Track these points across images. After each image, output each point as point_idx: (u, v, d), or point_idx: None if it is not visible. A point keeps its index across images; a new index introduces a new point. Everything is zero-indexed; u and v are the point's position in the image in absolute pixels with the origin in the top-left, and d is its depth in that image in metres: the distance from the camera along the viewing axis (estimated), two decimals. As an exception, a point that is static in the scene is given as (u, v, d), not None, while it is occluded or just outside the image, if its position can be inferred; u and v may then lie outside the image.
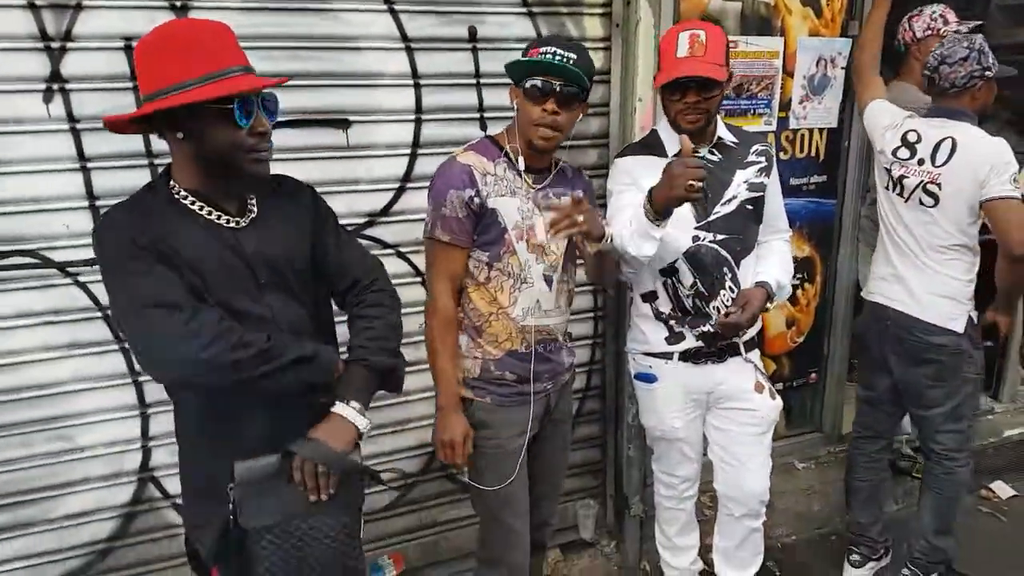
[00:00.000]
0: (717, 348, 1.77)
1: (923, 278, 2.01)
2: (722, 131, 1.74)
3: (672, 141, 1.71)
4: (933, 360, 2.02)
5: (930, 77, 1.99)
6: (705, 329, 1.74)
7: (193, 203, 1.14)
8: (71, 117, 1.60)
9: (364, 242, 1.83)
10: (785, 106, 2.39)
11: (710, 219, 1.70)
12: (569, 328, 1.74)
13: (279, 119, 1.18)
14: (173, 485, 1.85)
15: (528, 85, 1.46)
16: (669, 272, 1.72)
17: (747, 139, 1.79)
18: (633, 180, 1.69)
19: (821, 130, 2.49)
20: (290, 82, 1.19)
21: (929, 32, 2.39)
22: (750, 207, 1.74)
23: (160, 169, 1.66)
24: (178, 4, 1.63)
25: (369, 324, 1.24)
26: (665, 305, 1.77)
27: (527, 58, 1.46)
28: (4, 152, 1.57)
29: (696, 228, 1.69)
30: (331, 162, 1.83)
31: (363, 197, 1.89)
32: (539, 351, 1.60)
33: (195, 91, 1.04)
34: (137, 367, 1.76)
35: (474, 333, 1.59)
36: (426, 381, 1.61)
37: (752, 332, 1.81)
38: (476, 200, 1.50)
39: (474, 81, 1.94)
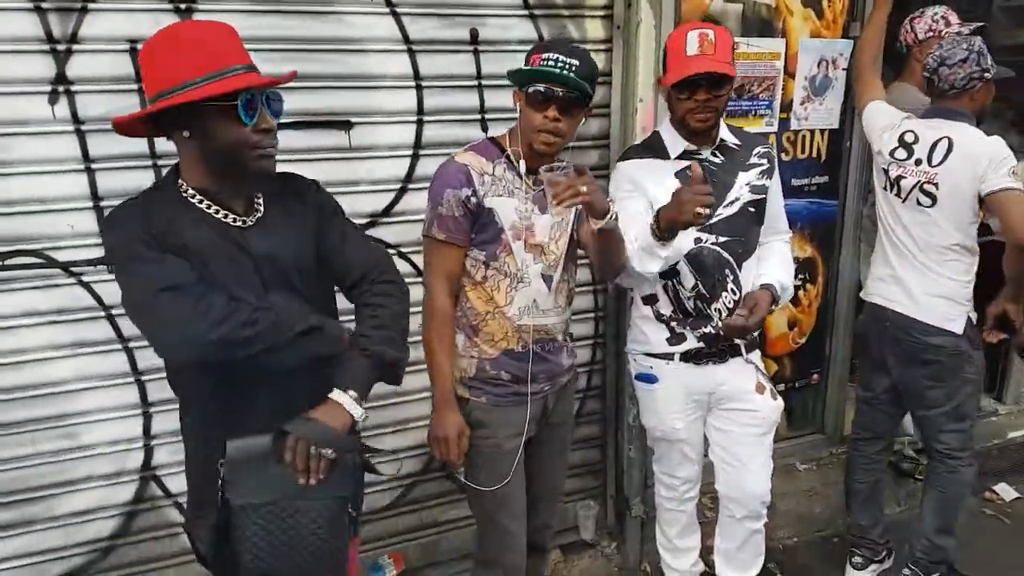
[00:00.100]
0: (718, 349, 1.77)
1: (921, 279, 2.01)
2: (724, 133, 1.74)
3: (674, 143, 1.71)
4: (932, 361, 2.02)
5: (929, 78, 1.99)
6: (706, 330, 1.75)
7: (200, 202, 1.15)
8: (76, 118, 1.61)
9: (368, 240, 1.84)
10: (786, 107, 2.39)
11: (712, 221, 1.70)
12: (570, 328, 1.74)
13: (281, 120, 1.19)
14: (174, 484, 1.86)
15: (530, 91, 1.46)
16: (670, 274, 1.73)
17: (749, 141, 1.79)
18: (635, 186, 1.69)
19: (823, 131, 2.49)
20: (292, 84, 1.20)
21: (931, 34, 2.39)
22: (752, 209, 1.74)
23: (164, 170, 1.68)
24: (182, 7, 1.64)
25: (373, 313, 1.24)
26: (666, 307, 1.77)
27: (529, 67, 1.47)
28: (10, 153, 1.59)
29: (698, 230, 1.70)
30: (333, 163, 1.84)
31: (365, 198, 1.90)
32: (536, 351, 1.60)
33: (199, 89, 1.05)
34: (140, 366, 1.77)
35: (471, 332, 1.60)
36: (426, 381, 1.61)
37: (754, 333, 1.82)
38: (473, 200, 1.51)
39: (475, 83, 1.95)
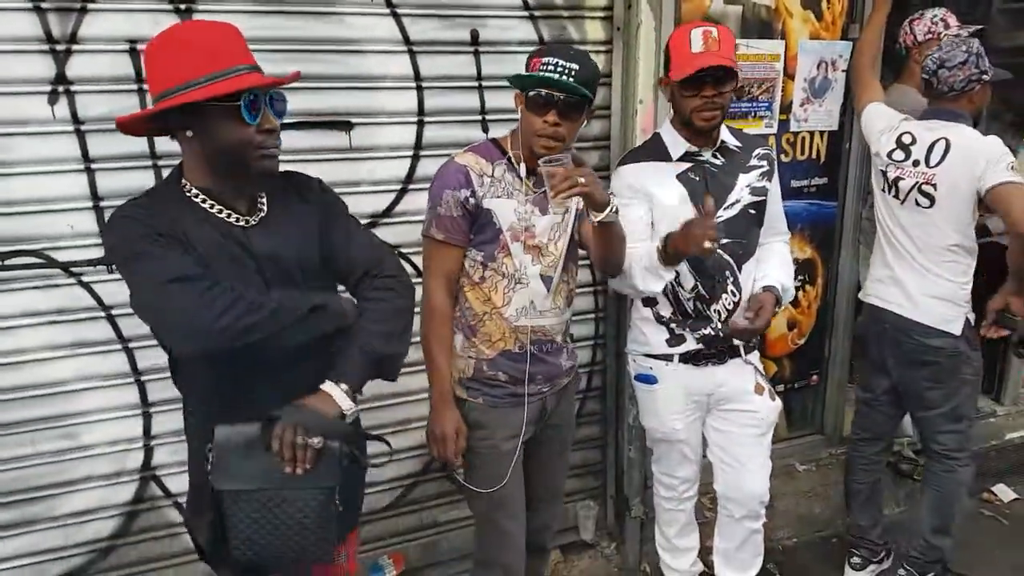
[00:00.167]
0: (717, 350, 1.78)
1: (920, 280, 2.01)
2: (725, 135, 1.74)
3: (676, 144, 1.71)
4: (930, 362, 2.02)
5: (928, 80, 1.99)
6: (706, 332, 1.75)
7: (204, 201, 1.16)
8: (76, 119, 1.61)
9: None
10: (786, 109, 2.40)
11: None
12: (571, 329, 1.74)
13: (282, 121, 1.19)
14: (174, 484, 1.86)
15: (530, 95, 1.46)
16: (671, 275, 1.73)
17: (749, 143, 1.80)
18: (636, 192, 1.69)
19: (822, 132, 2.50)
20: (293, 84, 1.20)
21: (930, 36, 2.39)
22: (752, 211, 1.75)
23: (164, 170, 1.69)
24: (182, 7, 1.64)
25: (373, 307, 1.24)
26: (666, 309, 1.77)
27: (528, 73, 1.46)
28: (10, 153, 1.58)
29: None
30: (334, 164, 1.84)
31: (365, 198, 1.90)
32: (534, 352, 1.60)
33: (202, 89, 1.06)
34: (140, 366, 1.77)
35: (469, 332, 1.60)
36: (427, 381, 1.61)
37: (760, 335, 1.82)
38: (471, 200, 1.51)
39: (476, 84, 1.95)
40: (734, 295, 1.74)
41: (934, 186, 1.95)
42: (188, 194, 1.16)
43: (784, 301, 1.82)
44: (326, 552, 1.19)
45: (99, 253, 1.68)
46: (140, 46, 1.62)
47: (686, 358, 1.78)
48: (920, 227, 2.00)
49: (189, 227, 1.12)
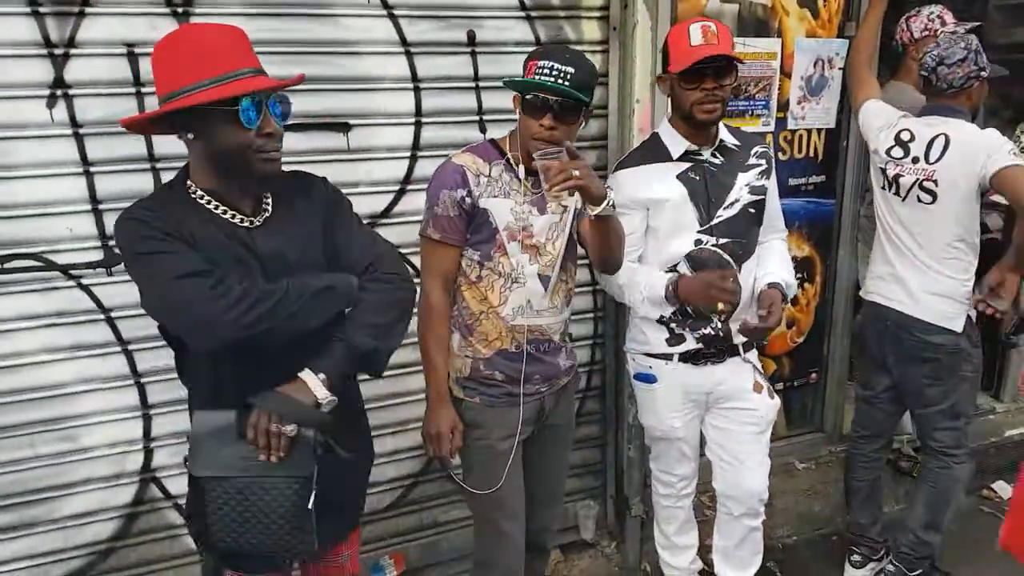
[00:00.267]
0: (717, 349, 1.78)
1: (921, 277, 2.01)
2: (724, 134, 1.74)
3: (675, 143, 1.71)
4: (931, 359, 2.02)
5: (927, 78, 1.99)
6: (705, 331, 1.75)
7: (208, 202, 1.17)
8: (74, 122, 1.62)
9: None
10: (783, 107, 2.40)
11: (713, 223, 1.71)
12: (569, 329, 1.74)
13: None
14: (174, 486, 1.86)
15: (526, 98, 1.46)
16: (670, 275, 1.73)
17: (747, 141, 1.80)
18: (632, 201, 1.69)
19: (819, 130, 2.50)
20: (292, 86, 1.21)
21: (927, 33, 2.39)
22: (752, 210, 1.75)
23: (162, 173, 1.69)
24: (180, 10, 1.65)
25: (366, 299, 1.24)
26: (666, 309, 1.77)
27: (523, 78, 1.47)
28: (8, 157, 1.59)
29: (699, 232, 1.71)
30: (332, 165, 1.85)
31: (364, 199, 1.91)
32: (531, 352, 1.60)
33: (202, 93, 1.07)
34: (139, 368, 1.78)
35: (465, 332, 1.60)
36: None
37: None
38: (468, 200, 1.52)
39: (473, 84, 1.95)
40: (733, 295, 1.74)
41: (935, 182, 1.95)
42: (194, 195, 1.17)
43: (788, 297, 1.82)
44: (306, 543, 1.19)
45: (98, 256, 1.69)
46: (138, 49, 1.62)
47: (686, 357, 1.78)
48: (922, 224, 2.00)
49: (195, 228, 1.14)
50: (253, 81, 1.10)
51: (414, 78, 1.89)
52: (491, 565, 1.70)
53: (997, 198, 2.15)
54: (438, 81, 1.92)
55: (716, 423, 1.87)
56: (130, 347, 1.76)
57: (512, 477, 1.62)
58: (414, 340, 1.61)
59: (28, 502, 1.75)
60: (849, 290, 2.65)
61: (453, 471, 1.70)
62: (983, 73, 1.95)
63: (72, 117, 1.61)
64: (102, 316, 1.73)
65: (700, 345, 1.77)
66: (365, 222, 1.90)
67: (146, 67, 1.63)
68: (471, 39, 1.92)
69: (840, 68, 2.42)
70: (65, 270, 1.68)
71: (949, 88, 1.96)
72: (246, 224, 1.19)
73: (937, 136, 1.96)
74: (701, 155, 1.72)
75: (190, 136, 1.12)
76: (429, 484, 2.17)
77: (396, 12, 1.83)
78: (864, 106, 2.20)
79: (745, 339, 1.79)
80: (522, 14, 1.96)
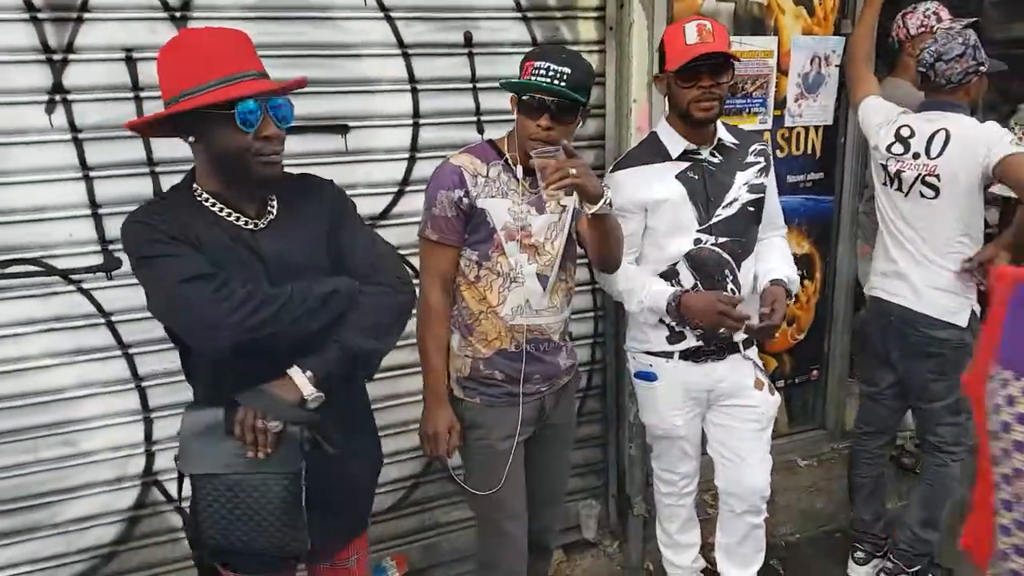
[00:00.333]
0: (717, 347, 1.78)
1: (924, 272, 2.01)
2: (722, 132, 1.75)
3: (674, 143, 1.71)
4: (935, 354, 2.02)
5: (925, 73, 2.00)
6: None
7: (213, 205, 1.18)
8: (73, 127, 1.62)
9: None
10: (780, 104, 2.41)
11: (712, 222, 1.71)
12: (569, 328, 1.75)
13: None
14: (176, 489, 1.85)
15: (523, 99, 1.47)
16: (670, 275, 1.74)
17: (745, 139, 1.80)
18: (630, 203, 1.69)
19: (817, 127, 2.51)
20: (293, 89, 1.22)
21: (923, 29, 2.39)
22: (751, 209, 1.75)
23: (161, 177, 1.70)
24: (178, 15, 1.65)
25: (363, 301, 1.24)
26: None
27: (519, 80, 1.47)
28: (7, 162, 1.60)
29: (698, 231, 1.71)
30: (330, 167, 1.85)
31: (362, 201, 1.88)
32: (530, 351, 1.60)
33: (201, 96, 1.07)
34: (140, 372, 1.78)
35: (465, 332, 1.61)
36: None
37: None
38: (465, 200, 1.52)
39: (470, 85, 1.96)
40: (734, 293, 1.74)
41: (937, 177, 1.95)
42: (199, 198, 1.18)
43: (793, 292, 1.82)
44: (298, 541, 1.19)
45: (98, 260, 1.69)
46: (136, 54, 1.63)
47: (686, 355, 1.78)
48: (925, 219, 2.00)
49: (200, 230, 1.14)
50: (252, 84, 1.11)
51: (411, 80, 1.90)
52: (493, 566, 1.70)
53: (995, 190, 2.15)
54: (435, 82, 1.92)
55: (717, 420, 1.87)
56: (131, 351, 1.76)
57: (513, 477, 1.62)
58: (414, 341, 1.62)
59: (30, 506, 1.75)
60: (849, 286, 2.65)
61: (454, 472, 1.70)
62: (982, 68, 1.95)
63: (71, 122, 1.62)
64: (102, 320, 1.73)
65: (700, 343, 1.77)
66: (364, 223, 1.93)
67: (144, 71, 1.63)
68: (468, 40, 1.93)
69: (837, 65, 2.43)
70: (65, 275, 1.68)
71: (948, 84, 1.96)
72: (251, 226, 1.19)
73: (937, 131, 1.96)
74: (700, 154, 1.72)
75: (191, 139, 1.13)
76: (430, 485, 2.17)
77: (393, 14, 1.84)
78: (863, 103, 2.20)
79: (745, 336, 1.79)
80: (518, 15, 1.96)
